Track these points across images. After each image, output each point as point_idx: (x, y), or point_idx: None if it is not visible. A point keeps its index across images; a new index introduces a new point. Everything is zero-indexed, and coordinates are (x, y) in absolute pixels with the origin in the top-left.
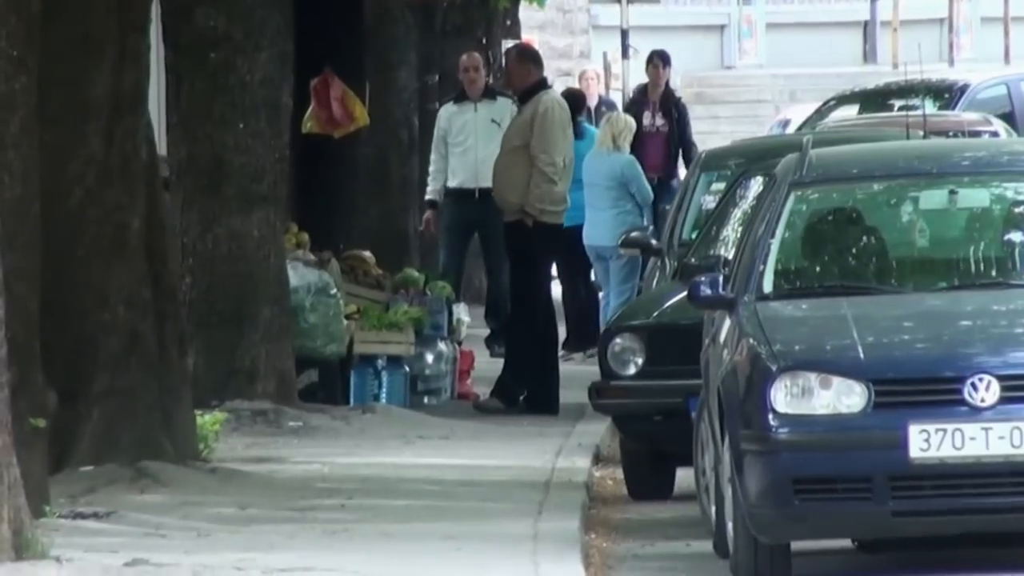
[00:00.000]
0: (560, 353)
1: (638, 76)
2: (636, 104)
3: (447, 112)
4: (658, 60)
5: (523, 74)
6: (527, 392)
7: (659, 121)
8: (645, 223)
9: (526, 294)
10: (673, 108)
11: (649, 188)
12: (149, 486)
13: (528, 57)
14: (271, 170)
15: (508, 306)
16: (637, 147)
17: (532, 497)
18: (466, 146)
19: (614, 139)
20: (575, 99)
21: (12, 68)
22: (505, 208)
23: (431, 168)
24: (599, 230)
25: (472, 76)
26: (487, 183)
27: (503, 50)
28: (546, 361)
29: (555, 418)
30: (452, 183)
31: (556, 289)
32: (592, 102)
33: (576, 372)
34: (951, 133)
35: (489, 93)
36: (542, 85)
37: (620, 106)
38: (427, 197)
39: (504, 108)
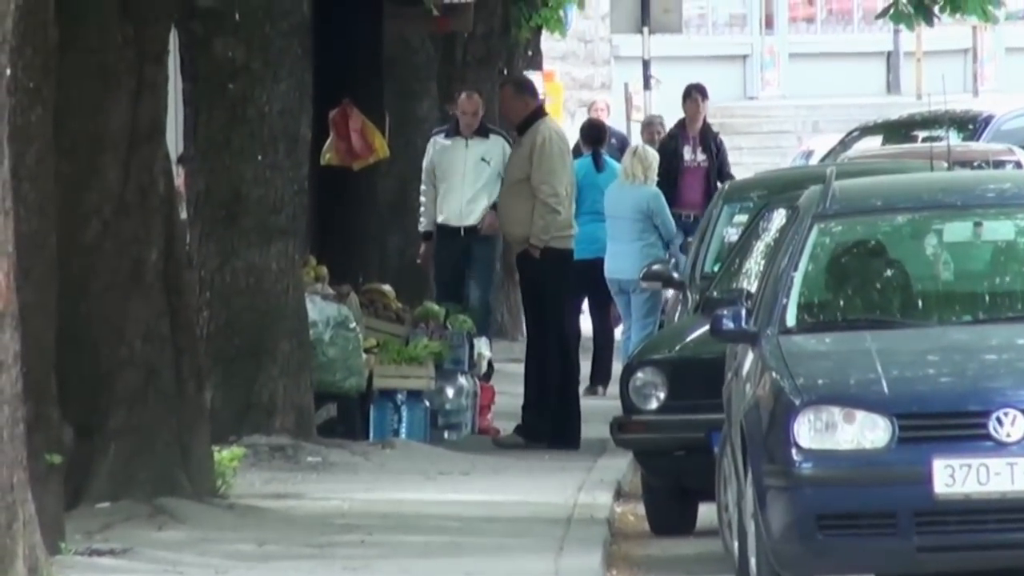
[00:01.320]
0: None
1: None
2: (675, 139)
3: (437, 145)
4: (696, 94)
5: (520, 107)
6: (547, 426)
7: (700, 156)
8: (667, 256)
9: (541, 326)
10: (712, 142)
11: (673, 222)
12: (166, 523)
13: (524, 89)
14: (290, 202)
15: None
16: (676, 181)
17: (553, 533)
18: (451, 183)
19: (644, 172)
20: (597, 130)
21: (28, 99)
22: (512, 241)
23: (423, 199)
24: (622, 263)
25: (469, 120)
26: (472, 221)
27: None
28: (566, 395)
29: (576, 453)
30: (439, 219)
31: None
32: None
33: (597, 406)
34: (976, 164)
35: (482, 130)
36: (539, 114)
37: (638, 138)
38: (422, 228)
39: (496, 146)
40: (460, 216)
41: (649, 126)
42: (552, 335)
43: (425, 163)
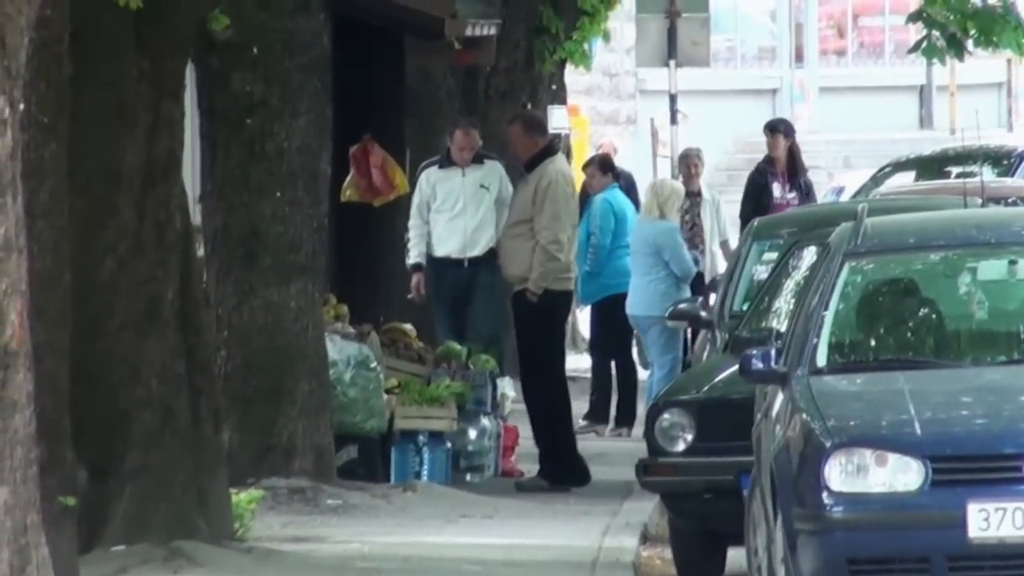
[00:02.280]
0: (582, 424)
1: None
2: (763, 174)
3: (431, 177)
4: (780, 129)
5: (529, 145)
6: (553, 467)
7: (789, 194)
8: (684, 294)
9: (538, 365)
10: (802, 180)
11: (689, 259)
12: (183, 566)
13: (533, 127)
14: (309, 240)
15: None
16: None
17: None
18: (454, 212)
19: (660, 207)
20: (607, 165)
21: (42, 135)
22: (510, 280)
23: (412, 232)
24: (633, 298)
25: (465, 155)
26: (478, 251)
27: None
28: (561, 432)
29: (601, 496)
30: (438, 252)
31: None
32: (693, 188)
33: (623, 448)
34: (1011, 201)
35: (477, 158)
36: (548, 152)
37: (668, 172)
38: (412, 261)
39: (493, 172)
40: (464, 247)
41: (686, 159)
42: (545, 376)
43: (416, 198)
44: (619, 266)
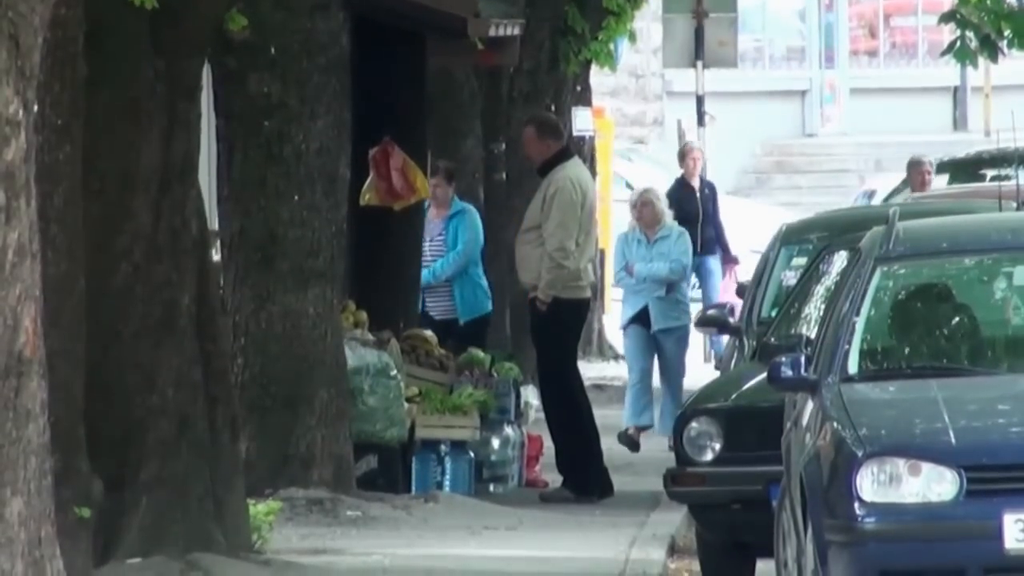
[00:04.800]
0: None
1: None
2: None
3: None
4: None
5: (542, 149)
6: (577, 477)
7: None
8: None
9: (553, 374)
10: None
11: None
12: None
13: (547, 130)
14: (328, 245)
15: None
16: None
17: None
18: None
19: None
20: None
21: (56, 137)
22: (525, 287)
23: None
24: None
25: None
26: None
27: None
28: (583, 441)
29: (628, 507)
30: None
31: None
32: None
33: (651, 458)
34: None
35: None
36: (562, 157)
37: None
38: None
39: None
40: None
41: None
42: (561, 384)
43: None
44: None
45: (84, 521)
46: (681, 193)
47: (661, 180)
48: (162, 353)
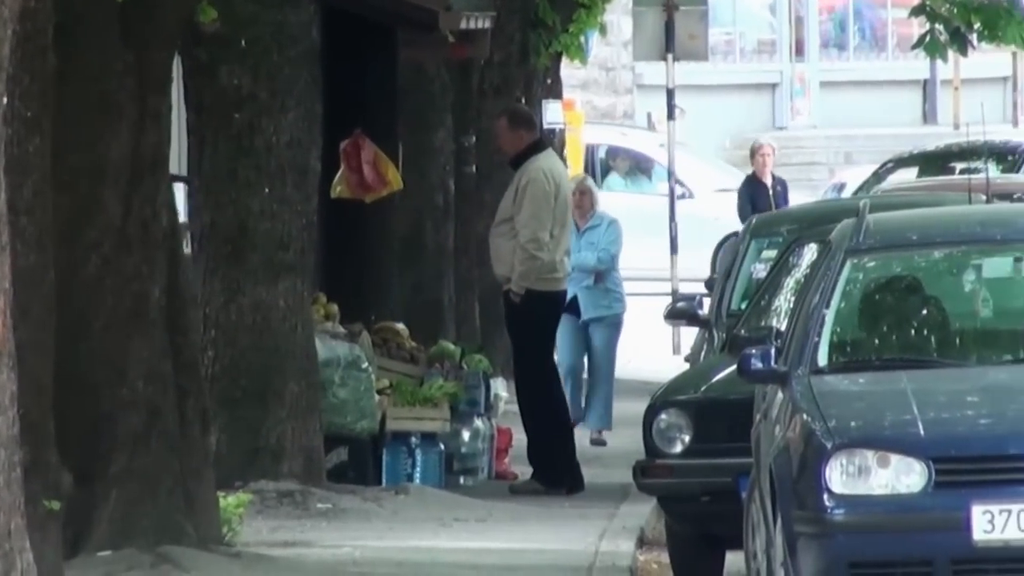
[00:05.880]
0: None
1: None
2: None
3: None
4: None
5: (514, 140)
6: (547, 470)
7: None
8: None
9: (528, 366)
10: None
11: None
12: (170, 572)
13: (520, 122)
14: (298, 237)
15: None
16: None
17: None
18: None
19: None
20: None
21: (25, 129)
22: (499, 280)
23: None
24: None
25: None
26: None
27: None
28: (558, 436)
29: (598, 499)
30: None
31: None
32: (767, 179)
33: (620, 450)
34: (1016, 197)
35: None
36: (535, 148)
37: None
38: None
39: None
40: None
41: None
42: (536, 377)
43: None
44: None
45: (54, 513)
46: (753, 189)
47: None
48: (132, 345)
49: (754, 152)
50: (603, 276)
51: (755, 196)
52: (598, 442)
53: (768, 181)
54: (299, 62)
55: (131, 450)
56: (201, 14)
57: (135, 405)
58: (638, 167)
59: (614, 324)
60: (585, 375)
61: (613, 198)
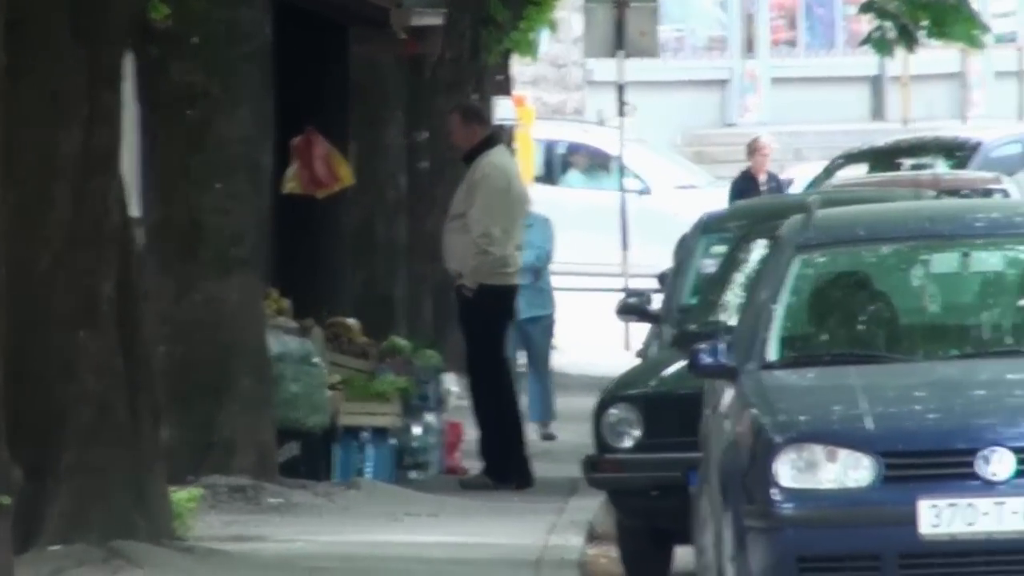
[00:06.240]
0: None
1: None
2: None
3: None
4: None
5: (468, 135)
6: (498, 465)
7: None
8: None
9: (481, 363)
10: None
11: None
12: (122, 567)
13: (473, 118)
14: (250, 233)
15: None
16: None
17: None
18: None
19: None
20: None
21: None
22: (452, 274)
23: None
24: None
25: None
26: None
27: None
28: (510, 431)
29: (547, 494)
30: None
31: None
32: (762, 176)
33: (569, 445)
34: (964, 193)
35: None
36: (487, 144)
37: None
38: None
39: None
40: None
41: None
42: (489, 372)
43: None
44: None
45: (4, 509)
46: (746, 185)
47: None
48: (83, 341)
49: (754, 149)
50: (539, 275)
51: (746, 192)
52: (548, 436)
53: (763, 178)
54: (251, 59)
55: (82, 445)
56: (153, 11)
57: (86, 400)
58: (598, 164)
59: (549, 323)
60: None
61: (572, 194)
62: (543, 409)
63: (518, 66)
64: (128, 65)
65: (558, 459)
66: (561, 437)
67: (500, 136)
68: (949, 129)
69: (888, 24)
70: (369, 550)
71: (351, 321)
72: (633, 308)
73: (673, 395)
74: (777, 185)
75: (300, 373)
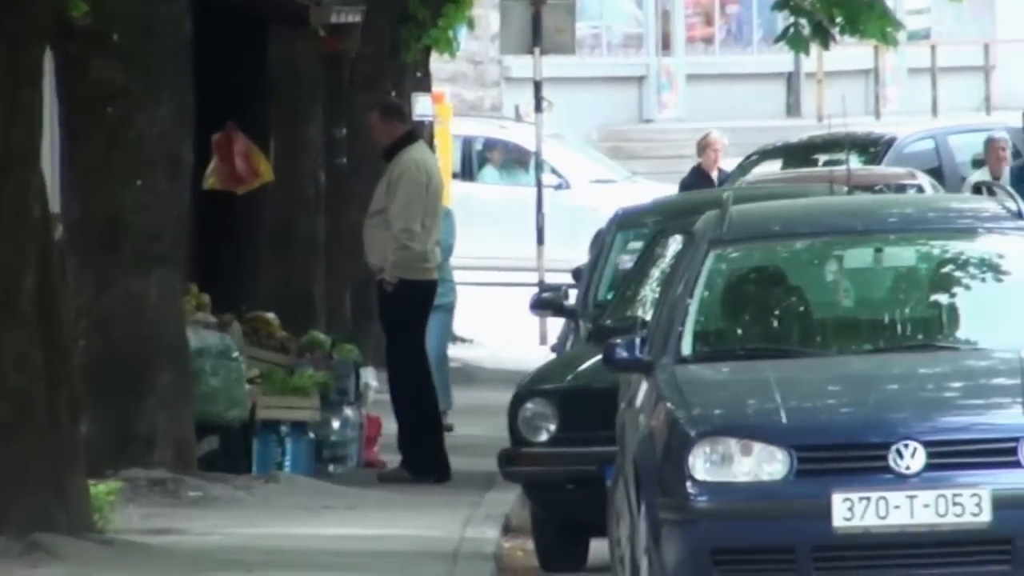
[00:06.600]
0: None
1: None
2: None
3: None
4: None
5: (388, 132)
6: (415, 458)
7: None
8: None
9: (401, 357)
10: None
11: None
12: (42, 560)
13: (392, 114)
14: (170, 228)
15: None
16: None
17: (439, 570)
18: None
19: None
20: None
21: None
22: (372, 270)
23: None
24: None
25: None
26: None
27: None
28: (428, 425)
29: (464, 487)
30: None
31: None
32: (714, 173)
33: (486, 439)
34: (877, 188)
35: None
36: (407, 140)
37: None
38: None
39: None
40: None
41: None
42: (408, 366)
43: None
44: None
45: None
46: (697, 182)
47: None
48: (3, 336)
49: (704, 146)
50: (441, 266)
51: (698, 188)
52: (446, 427)
53: (715, 174)
54: (171, 56)
55: (1, 439)
56: (72, 8)
57: (6, 394)
58: (515, 159)
59: (449, 310)
60: None
61: (490, 190)
62: (444, 396)
63: (437, 63)
64: (48, 62)
65: (475, 453)
66: (478, 431)
67: (419, 132)
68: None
69: (803, 21)
70: (288, 543)
71: (270, 316)
72: (548, 303)
73: (588, 389)
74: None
75: (219, 367)
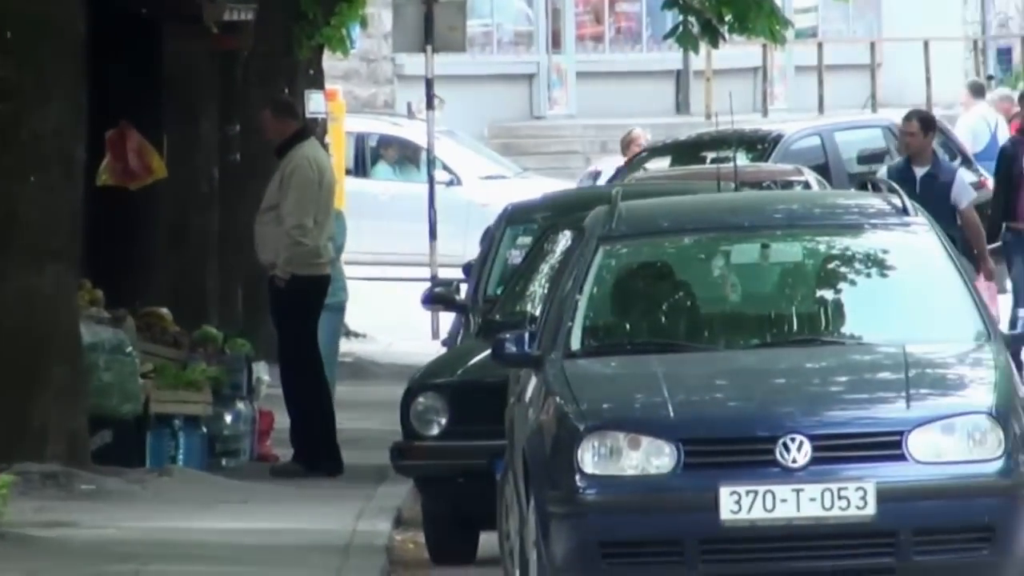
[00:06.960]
0: None
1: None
2: (1016, 144)
3: None
4: None
5: (280, 129)
6: (308, 452)
7: None
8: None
9: (294, 352)
10: None
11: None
12: None
13: (284, 112)
14: (64, 224)
15: None
16: (1014, 195)
17: (331, 563)
18: None
19: None
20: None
21: None
22: (264, 266)
23: None
24: None
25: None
26: None
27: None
28: (320, 419)
29: (356, 480)
30: None
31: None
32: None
33: (378, 433)
34: (764, 185)
35: None
36: (299, 137)
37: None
38: None
39: None
40: None
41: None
42: (301, 362)
43: None
44: None
45: None
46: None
47: None
48: None
49: (628, 142)
50: (332, 265)
51: None
52: None
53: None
54: (64, 53)
55: None
56: None
57: None
58: (408, 156)
59: (340, 310)
60: None
61: (383, 186)
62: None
63: (330, 60)
64: None
65: (368, 447)
66: (370, 425)
67: (312, 129)
68: (750, 122)
69: (692, 19)
70: (181, 536)
71: (163, 311)
72: (440, 298)
73: (479, 384)
74: None
75: (112, 362)
